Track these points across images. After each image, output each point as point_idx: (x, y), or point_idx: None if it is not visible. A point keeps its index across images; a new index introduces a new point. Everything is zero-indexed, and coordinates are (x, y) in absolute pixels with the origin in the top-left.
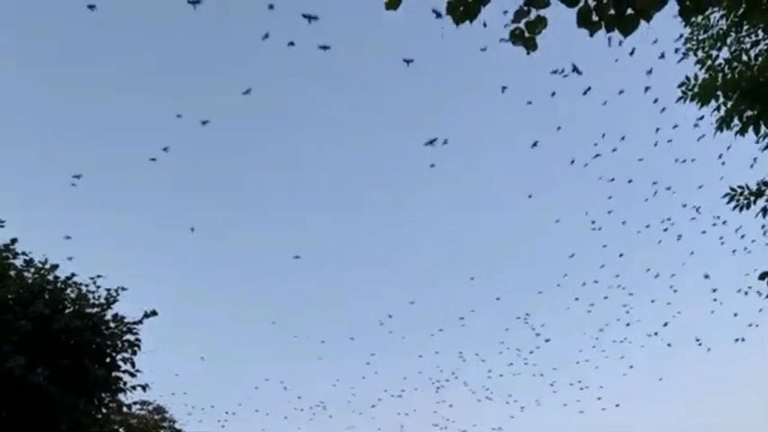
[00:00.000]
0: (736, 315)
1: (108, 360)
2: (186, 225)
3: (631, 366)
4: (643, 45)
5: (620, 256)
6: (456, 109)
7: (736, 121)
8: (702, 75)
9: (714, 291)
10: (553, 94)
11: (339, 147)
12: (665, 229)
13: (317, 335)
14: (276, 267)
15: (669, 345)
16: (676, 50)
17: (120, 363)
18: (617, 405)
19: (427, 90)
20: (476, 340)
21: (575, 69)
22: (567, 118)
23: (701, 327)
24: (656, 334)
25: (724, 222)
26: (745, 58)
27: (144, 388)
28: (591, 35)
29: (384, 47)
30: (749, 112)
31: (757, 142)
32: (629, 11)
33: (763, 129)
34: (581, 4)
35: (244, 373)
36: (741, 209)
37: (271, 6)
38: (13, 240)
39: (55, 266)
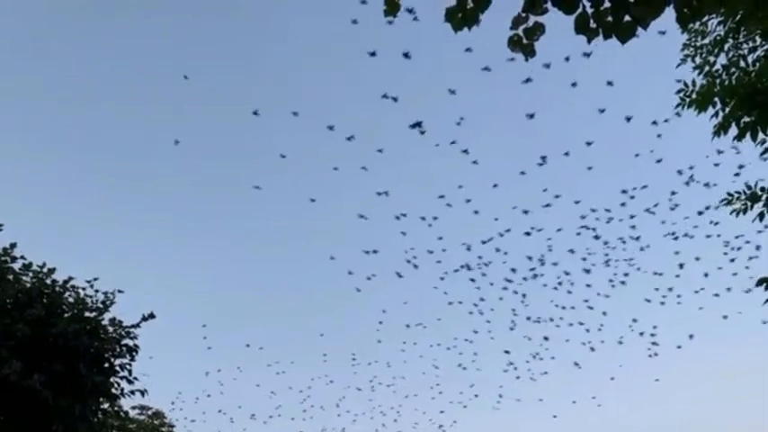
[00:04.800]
0: None
1: (106, 365)
2: (185, 225)
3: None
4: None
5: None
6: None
7: (733, 127)
8: (700, 81)
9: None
10: None
11: None
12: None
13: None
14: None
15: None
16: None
17: (118, 368)
18: None
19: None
20: None
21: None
22: None
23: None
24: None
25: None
26: (742, 64)
27: (142, 393)
28: (589, 42)
29: None
30: (747, 118)
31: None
32: (627, 18)
33: (760, 135)
34: (579, 10)
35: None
36: (738, 214)
37: None
38: (13, 245)
39: (52, 270)
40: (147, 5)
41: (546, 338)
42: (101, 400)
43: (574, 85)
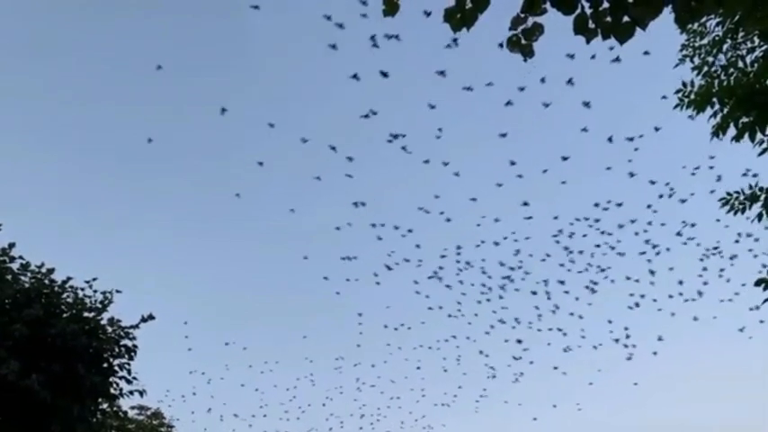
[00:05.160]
0: None
1: (105, 365)
2: (182, 226)
3: None
4: None
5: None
6: None
7: (731, 128)
8: (699, 81)
9: None
10: None
11: None
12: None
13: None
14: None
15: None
16: None
17: (117, 368)
18: None
19: None
20: None
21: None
22: None
23: None
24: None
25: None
26: (741, 64)
27: (141, 393)
28: (587, 42)
29: None
30: (745, 119)
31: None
32: (626, 18)
33: (758, 135)
34: (578, 11)
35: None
36: (736, 213)
37: None
38: (11, 245)
39: (51, 270)
40: (148, 5)
41: (519, 341)
42: (99, 400)
43: (547, 105)
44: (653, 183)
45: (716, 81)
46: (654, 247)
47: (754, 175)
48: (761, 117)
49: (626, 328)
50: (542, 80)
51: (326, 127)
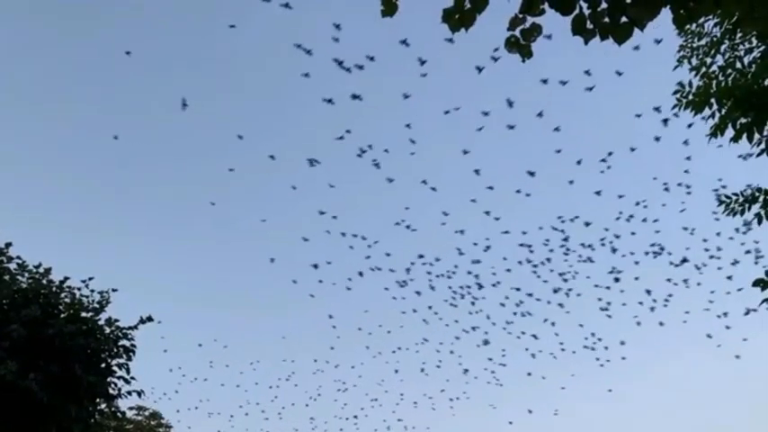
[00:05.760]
0: None
1: (103, 366)
2: (178, 228)
3: None
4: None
5: None
6: None
7: (729, 129)
8: (697, 82)
9: None
10: None
11: None
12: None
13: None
14: None
15: None
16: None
17: (115, 368)
18: None
19: None
20: None
21: None
22: None
23: None
24: None
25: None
26: (739, 65)
27: (139, 394)
28: (586, 43)
29: None
30: (743, 120)
31: (750, 151)
32: (624, 19)
33: (756, 136)
34: (576, 12)
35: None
36: (735, 215)
37: None
38: (8, 244)
39: (49, 270)
40: (153, 5)
41: (486, 342)
42: (97, 400)
43: (511, 127)
44: (620, 197)
45: (714, 82)
46: (623, 256)
47: (723, 187)
48: (759, 118)
49: (593, 334)
50: (510, 104)
51: (300, 142)
